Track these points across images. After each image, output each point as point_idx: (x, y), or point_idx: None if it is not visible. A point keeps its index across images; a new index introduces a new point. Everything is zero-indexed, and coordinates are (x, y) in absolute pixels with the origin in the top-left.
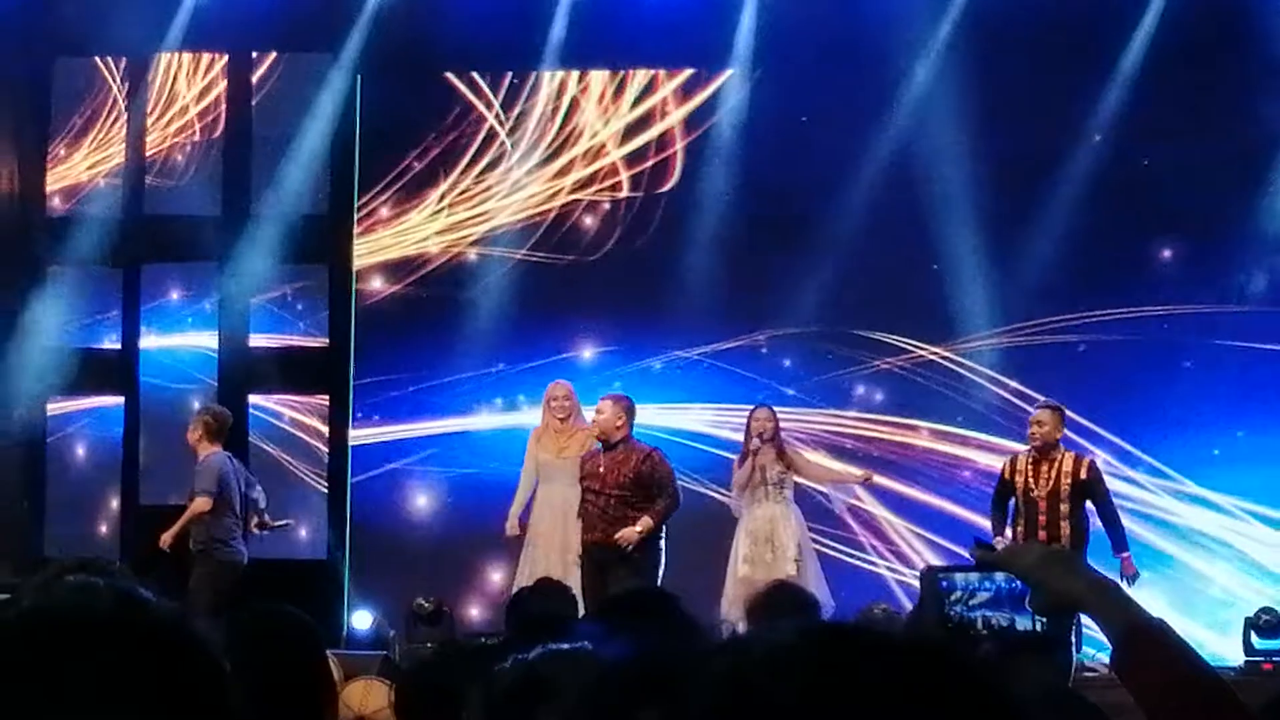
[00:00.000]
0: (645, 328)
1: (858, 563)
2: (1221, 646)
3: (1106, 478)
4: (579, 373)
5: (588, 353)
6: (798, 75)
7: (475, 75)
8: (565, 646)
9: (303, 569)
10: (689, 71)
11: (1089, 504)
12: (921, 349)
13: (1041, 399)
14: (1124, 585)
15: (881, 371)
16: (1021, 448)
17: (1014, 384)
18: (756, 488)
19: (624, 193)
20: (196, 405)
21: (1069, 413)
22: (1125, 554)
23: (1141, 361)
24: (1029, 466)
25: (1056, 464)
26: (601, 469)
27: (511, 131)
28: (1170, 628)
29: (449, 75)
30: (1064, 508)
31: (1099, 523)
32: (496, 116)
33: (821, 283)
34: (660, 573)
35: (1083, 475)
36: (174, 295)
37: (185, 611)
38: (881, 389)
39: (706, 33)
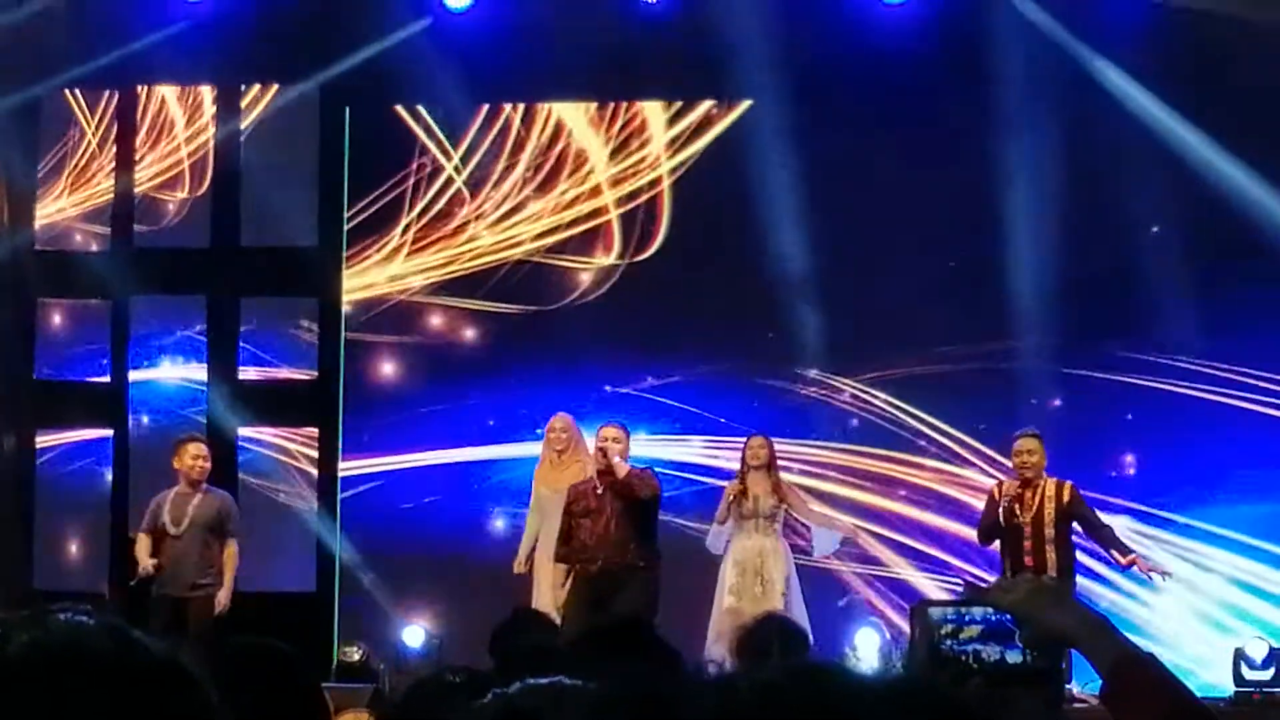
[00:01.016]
0: (638, 358)
1: (844, 576)
2: (1211, 678)
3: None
4: (566, 404)
5: (575, 385)
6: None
7: (463, 109)
8: (544, 681)
9: (292, 601)
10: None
11: (1075, 529)
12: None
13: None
14: (1155, 580)
15: (861, 403)
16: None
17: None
18: (747, 519)
19: (612, 252)
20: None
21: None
22: (1133, 555)
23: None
24: (1014, 492)
25: (1040, 490)
26: (600, 491)
27: (499, 168)
28: (1158, 660)
29: (427, 109)
30: (1049, 533)
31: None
32: (469, 152)
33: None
34: (657, 604)
35: (1065, 498)
36: (163, 328)
37: (176, 647)
38: (869, 420)
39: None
